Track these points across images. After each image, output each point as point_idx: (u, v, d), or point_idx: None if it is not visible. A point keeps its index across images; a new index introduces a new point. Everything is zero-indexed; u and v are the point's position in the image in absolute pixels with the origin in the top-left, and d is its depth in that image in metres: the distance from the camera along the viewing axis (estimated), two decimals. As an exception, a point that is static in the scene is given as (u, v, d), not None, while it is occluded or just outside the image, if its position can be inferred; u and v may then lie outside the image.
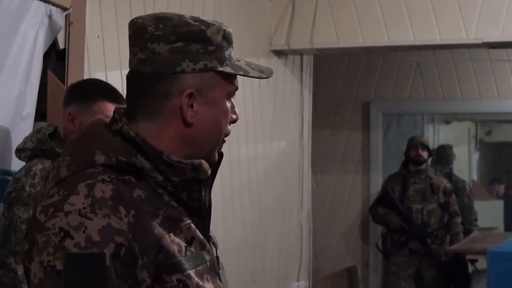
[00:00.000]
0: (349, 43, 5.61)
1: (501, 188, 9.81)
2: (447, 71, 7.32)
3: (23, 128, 3.11)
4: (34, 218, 1.44)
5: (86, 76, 3.43)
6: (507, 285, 4.82)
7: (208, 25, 1.51)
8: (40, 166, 2.64)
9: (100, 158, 1.46)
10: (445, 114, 8.89)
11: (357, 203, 7.43)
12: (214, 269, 1.52)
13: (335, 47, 5.68)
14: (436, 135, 9.21)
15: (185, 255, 1.46)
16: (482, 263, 5.89)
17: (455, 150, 8.37)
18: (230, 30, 1.55)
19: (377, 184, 7.22)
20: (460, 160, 8.98)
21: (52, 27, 3.32)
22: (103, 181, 1.43)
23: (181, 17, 1.52)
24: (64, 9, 3.38)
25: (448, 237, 6.47)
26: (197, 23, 1.51)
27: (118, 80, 3.73)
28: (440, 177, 6.68)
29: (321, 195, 7.26)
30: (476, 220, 7.40)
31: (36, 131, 2.77)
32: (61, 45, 3.44)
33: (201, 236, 1.51)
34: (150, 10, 4.04)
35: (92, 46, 3.58)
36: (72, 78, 3.27)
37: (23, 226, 2.58)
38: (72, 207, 1.39)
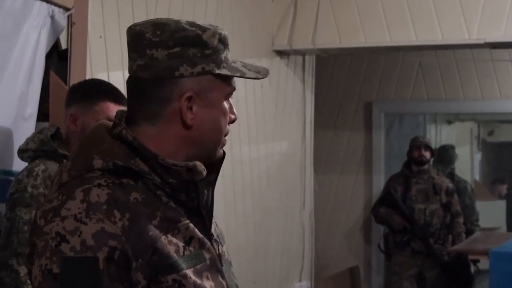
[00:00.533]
0: (351, 43, 5.61)
1: (504, 188, 9.80)
2: (449, 72, 7.31)
3: (25, 128, 3.11)
4: (35, 223, 1.49)
5: (88, 77, 3.43)
6: (509, 285, 4.82)
7: (204, 29, 1.56)
8: (42, 167, 2.64)
9: (98, 163, 1.50)
10: (447, 114, 8.89)
11: (359, 204, 7.43)
12: (215, 267, 1.55)
13: (337, 47, 5.68)
14: (438, 136, 9.20)
15: (183, 254, 1.49)
16: (484, 263, 5.89)
17: (458, 150, 8.36)
18: (226, 33, 1.59)
19: (379, 185, 7.21)
20: (462, 160, 8.98)
21: (54, 28, 3.33)
22: (99, 185, 1.47)
23: (177, 22, 1.55)
24: (66, 9, 3.38)
25: (450, 237, 6.47)
26: (193, 28, 1.55)
27: (120, 80, 3.73)
28: (442, 177, 6.67)
29: (323, 195, 7.26)
30: (477, 220, 7.40)
31: (38, 131, 2.77)
32: (63, 46, 3.45)
33: (200, 235, 1.54)
34: (152, 11, 4.04)
35: (94, 46, 3.58)
36: (74, 79, 3.27)
37: (25, 227, 2.58)
38: (68, 212, 1.44)
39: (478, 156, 10.24)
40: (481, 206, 7.79)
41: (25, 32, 3.16)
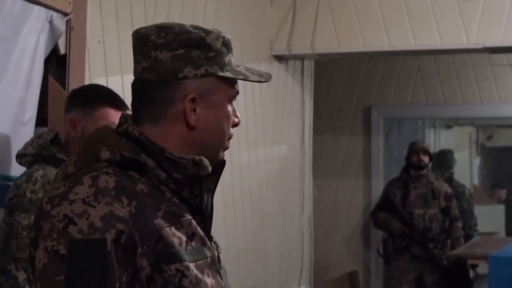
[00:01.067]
0: (350, 48, 5.62)
1: (503, 193, 9.81)
2: (448, 76, 7.32)
3: (24, 133, 3.11)
4: (40, 208, 1.50)
5: (87, 82, 3.43)
6: (509, 290, 4.81)
7: (208, 32, 1.58)
8: (41, 172, 2.64)
9: (105, 154, 1.52)
10: (446, 119, 8.90)
11: (358, 208, 7.43)
12: (215, 266, 1.57)
13: (336, 52, 5.68)
14: (437, 140, 9.21)
15: (186, 248, 1.51)
16: (483, 268, 5.88)
17: (457, 155, 8.37)
18: (229, 37, 1.62)
19: (378, 189, 7.21)
20: (461, 165, 8.99)
21: (53, 33, 3.33)
22: (107, 173, 1.49)
23: (181, 25, 1.58)
24: (65, 14, 3.38)
25: (449, 242, 6.47)
26: (197, 31, 1.57)
27: (119, 85, 3.74)
28: (441, 182, 6.68)
29: (322, 200, 7.26)
30: (476, 225, 7.40)
31: (37, 136, 2.77)
32: (62, 51, 3.44)
33: (202, 233, 1.56)
34: (151, 16, 4.04)
35: (93, 51, 3.58)
36: (73, 84, 3.27)
37: (24, 233, 2.57)
38: (76, 196, 1.46)
39: (477, 161, 10.25)
40: (480, 211, 7.80)
41: (24, 37, 3.16)
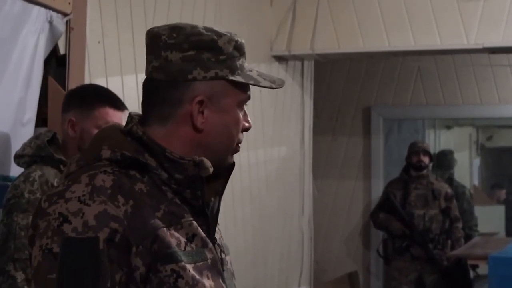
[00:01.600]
0: (349, 48, 5.62)
1: (502, 193, 9.81)
2: (448, 77, 7.32)
3: (23, 134, 3.11)
4: (39, 206, 1.50)
5: (86, 82, 3.43)
6: (509, 290, 4.81)
7: (220, 35, 1.57)
8: (39, 173, 2.64)
9: (106, 153, 1.53)
10: (446, 119, 8.90)
11: (358, 209, 7.43)
12: (216, 268, 1.56)
13: (335, 52, 5.68)
14: (437, 141, 9.21)
15: (184, 249, 1.50)
16: (483, 269, 5.88)
17: (456, 155, 8.37)
18: (243, 41, 1.60)
19: (378, 190, 7.21)
20: (461, 165, 8.99)
21: (52, 33, 3.33)
22: (105, 172, 1.50)
23: (194, 27, 1.57)
24: (65, 15, 3.38)
25: (449, 242, 6.47)
26: (209, 33, 1.56)
27: (119, 86, 3.74)
28: (441, 182, 6.67)
29: (322, 200, 7.25)
30: (476, 225, 7.39)
31: (35, 137, 2.77)
32: (62, 51, 3.44)
33: (203, 234, 1.55)
34: (150, 17, 4.04)
35: (93, 52, 3.58)
36: (72, 84, 3.27)
37: (22, 233, 2.57)
38: (72, 194, 1.46)
39: (477, 161, 10.25)
40: (480, 211, 7.80)
41: (24, 37, 3.15)
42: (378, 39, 5.47)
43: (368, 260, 7.38)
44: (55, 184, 2.64)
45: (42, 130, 2.92)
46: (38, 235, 1.46)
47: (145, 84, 1.60)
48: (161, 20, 4.01)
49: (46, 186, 2.61)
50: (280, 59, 5.76)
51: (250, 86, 1.62)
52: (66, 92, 2.97)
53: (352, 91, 7.48)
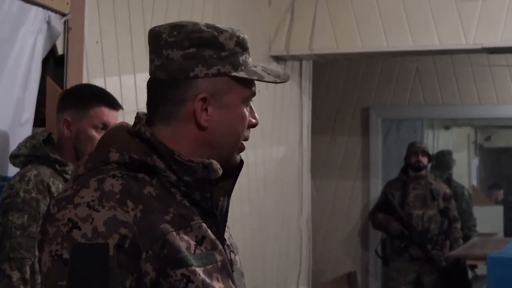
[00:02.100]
0: (348, 48, 5.61)
1: (500, 194, 9.80)
2: (446, 77, 7.32)
3: (22, 134, 3.10)
4: (48, 211, 1.49)
5: (85, 82, 3.42)
6: (507, 291, 4.81)
7: (221, 31, 1.56)
8: (34, 172, 2.64)
9: (114, 156, 1.51)
10: (445, 119, 8.90)
11: (357, 209, 7.42)
12: (226, 270, 1.54)
13: (334, 52, 5.68)
14: (435, 141, 9.21)
15: (194, 253, 1.49)
16: (482, 269, 5.88)
17: (455, 155, 8.37)
18: (245, 36, 1.59)
19: (376, 190, 7.21)
20: (460, 165, 8.99)
21: (51, 33, 3.32)
22: (113, 176, 1.48)
23: (195, 24, 1.56)
24: (63, 15, 3.38)
25: (448, 242, 6.47)
26: (210, 30, 1.55)
27: (116, 86, 3.73)
28: (440, 182, 6.67)
29: (320, 201, 7.25)
30: (475, 225, 7.39)
31: (30, 137, 2.77)
32: (60, 51, 3.44)
33: (212, 236, 1.54)
34: (148, 17, 4.04)
35: (91, 52, 3.57)
36: (70, 84, 3.26)
37: (18, 232, 2.57)
38: (81, 199, 1.45)
39: (475, 162, 10.25)
40: (478, 211, 7.79)
41: (22, 38, 3.15)
42: (377, 39, 5.47)
43: (367, 261, 7.38)
44: (51, 183, 2.64)
45: (39, 130, 2.91)
46: (47, 240, 1.44)
47: (149, 84, 1.59)
48: (159, 20, 4.00)
49: (41, 185, 2.61)
50: (278, 59, 5.76)
51: (256, 81, 1.60)
52: (61, 92, 2.96)
53: (351, 91, 7.48)
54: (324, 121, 7.41)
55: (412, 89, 7.39)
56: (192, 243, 1.49)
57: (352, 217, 7.43)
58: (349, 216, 7.43)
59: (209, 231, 1.54)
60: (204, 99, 1.53)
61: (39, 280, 2.58)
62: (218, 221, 1.58)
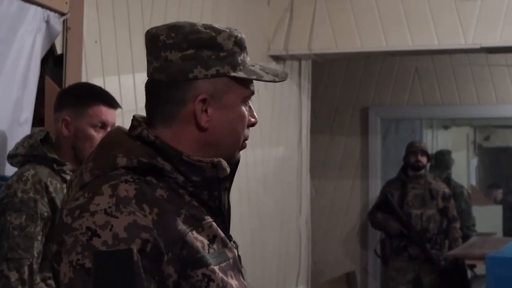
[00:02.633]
0: (347, 48, 5.61)
1: (499, 193, 9.81)
2: (445, 77, 7.32)
3: (20, 133, 3.10)
4: (61, 221, 1.47)
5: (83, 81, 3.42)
6: (506, 290, 4.81)
7: (219, 31, 1.55)
8: (32, 172, 2.63)
9: (122, 161, 1.50)
10: (444, 119, 8.90)
11: (356, 209, 7.42)
12: (237, 267, 1.56)
13: (333, 52, 5.68)
14: (434, 141, 9.21)
15: (208, 252, 1.49)
16: (481, 268, 5.88)
17: (454, 155, 8.37)
18: (243, 36, 1.59)
19: (375, 190, 7.21)
20: (459, 165, 8.99)
21: (49, 33, 3.32)
22: (126, 181, 1.46)
23: (192, 25, 1.55)
24: (62, 14, 3.38)
25: (447, 242, 6.47)
26: (208, 30, 1.54)
27: (116, 85, 3.73)
28: (439, 182, 6.67)
29: (320, 200, 7.25)
30: (474, 225, 7.40)
31: (28, 136, 2.76)
32: (59, 51, 3.44)
33: (222, 234, 1.55)
34: (147, 16, 4.03)
35: (90, 51, 3.57)
36: (69, 84, 3.26)
37: (15, 232, 2.57)
38: (97, 207, 1.43)
39: (474, 161, 10.25)
40: (477, 211, 7.79)
41: (20, 37, 3.15)
42: (376, 39, 5.47)
43: (366, 260, 7.38)
44: (48, 183, 2.63)
45: (37, 129, 2.91)
46: (65, 251, 1.42)
47: (147, 86, 1.58)
48: (158, 20, 4.00)
49: (39, 185, 2.61)
50: (277, 59, 5.75)
51: (254, 81, 1.60)
52: (58, 91, 2.95)
53: (350, 91, 7.48)
54: (323, 121, 7.41)
55: (411, 89, 7.39)
56: (206, 242, 1.50)
57: (351, 217, 7.43)
58: (348, 215, 7.43)
59: (219, 229, 1.54)
60: (204, 100, 1.53)
61: (37, 281, 2.57)
62: (225, 218, 1.59)
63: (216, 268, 1.48)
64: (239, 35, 1.58)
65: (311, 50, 5.63)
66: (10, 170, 2.95)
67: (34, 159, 2.67)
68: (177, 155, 1.52)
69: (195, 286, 1.45)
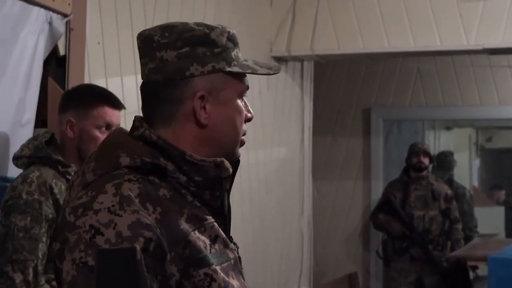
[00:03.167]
0: (349, 49, 5.61)
1: (501, 194, 9.80)
2: (447, 78, 7.31)
3: (22, 135, 3.10)
4: (64, 219, 1.47)
5: (86, 83, 3.42)
6: (508, 291, 4.81)
7: (212, 28, 1.56)
8: (37, 173, 2.63)
9: (125, 160, 1.50)
10: (446, 120, 8.90)
11: (358, 210, 7.42)
12: (237, 267, 1.57)
13: (335, 53, 5.68)
14: (436, 142, 9.21)
15: (210, 252, 1.50)
16: (483, 270, 5.88)
17: (456, 156, 8.36)
18: (234, 32, 1.60)
19: (378, 191, 7.20)
20: (461, 166, 8.99)
21: (52, 34, 3.32)
22: (129, 180, 1.47)
23: (185, 24, 1.56)
24: (65, 15, 3.38)
25: (449, 243, 6.46)
26: (201, 28, 1.56)
27: (118, 86, 3.73)
28: (441, 183, 6.66)
29: (322, 201, 7.25)
30: (476, 226, 7.39)
31: (33, 138, 2.76)
32: (62, 52, 3.44)
33: (224, 235, 1.55)
34: (150, 17, 4.04)
35: (93, 52, 3.58)
36: (72, 85, 3.26)
37: (20, 234, 2.57)
38: (101, 205, 1.43)
39: (476, 162, 10.24)
40: (480, 212, 7.79)
41: (23, 38, 3.15)
42: (378, 40, 5.47)
43: (368, 261, 7.37)
44: (53, 184, 2.63)
45: (41, 131, 2.91)
46: (69, 249, 1.42)
47: (143, 87, 1.58)
48: (160, 21, 3.98)
49: (44, 187, 2.61)
50: (279, 60, 5.75)
51: (248, 76, 1.61)
52: (62, 93, 2.96)
53: (352, 92, 7.48)
54: (325, 122, 7.41)
55: (413, 90, 7.39)
56: (207, 242, 1.50)
57: (353, 218, 7.42)
58: (350, 217, 7.42)
59: (220, 230, 1.55)
60: (202, 97, 1.54)
61: (42, 282, 2.57)
62: (227, 219, 1.60)
63: (218, 268, 1.48)
64: (231, 31, 1.59)
65: (313, 51, 5.63)
66: (12, 171, 2.95)
67: (39, 160, 2.67)
68: (180, 155, 1.52)
69: (197, 286, 1.45)
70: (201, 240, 1.49)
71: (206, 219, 1.53)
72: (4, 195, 2.67)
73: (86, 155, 2.61)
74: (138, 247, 1.39)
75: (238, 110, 1.59)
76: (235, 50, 1.59)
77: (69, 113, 2.68)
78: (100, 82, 3.52)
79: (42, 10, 3.25)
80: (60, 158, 2.67)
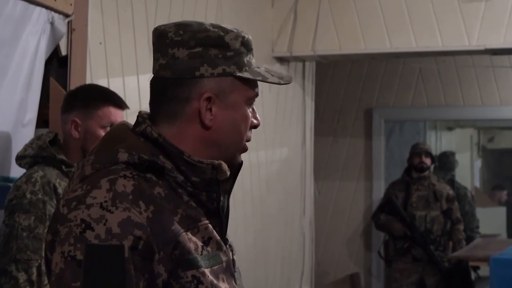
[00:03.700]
0: (351, 50, 5.61)
1: (503, 195, 9.80)
2: (449, 78, 7.31)
3: (24, 135, 3.10)
4: (57, 211, 1.48)
5: (88, 83, 3.42)
6: (510, 292, 4.80)
7: (227, 31, 1.56)
8: (40, 173, 2.64)
9: (123, 156, 1.50)
10: (448, 121, 8.89)
11: (360, 210, 7.42)
12: (229, 271, 1.56)
13: (337, 54, 5.67)
14: (438, 142, 9.21)
15: (201, 254, 1.49)
16: (484, 270, 5.87)
17: (458, 156, 8.36)
18: (250, 37, 1.60)
19: (379, 191, 7.21)
20: (462, 167, 8.98)
21: (54, 34, 3.32)
22: (125, 176, 1.47)
23: (200, 24, 1.56)
24: (66, 16, 3.38)
25: (450, 244, 6.47)
26: (216, 29, 1.55)
27: (120, 86, 3.73)
28: (443, 184, 6.67)
29: (323, 202, 7.25)
30: (477, 227, 7.39)
31: (36, 138, 2.77)
32: (63, 52, 3.44)
33: (218, 237, 1.55)
34: (152, 18, 4.04)
35: (94, 52, 3.58)
36: (74, 85, 3.26)
37: (24, 234, 2.57)
38: (94, 200, 1.44)
39: (478, 163, 10.24)
40: (481, 213, 7.79)
41: (25, 38, 3.15)
42: (380, 40, 5.47)
43: (370, 262, 7.37)
44: (57, 184, 2.64)
45: (43, 131, 2.92)
46: (59, 241, 1.43)
47: (152, 82, 1.58)
48: (162, 21, 3.98)
49: (47, 186, 2.62)
50: (281, 60, 5.75)
51: (258, 83, 1.61)
52: (65, 93, 2.96)
53: (354, 93, 7.48)
54: (327, 123, 7.41)
55: (415, 90, 7.39)
56: (199, 244, 1.50)
57: (355, 218, 7.42)
58: (351, 217, 7.42)
59: (214, 232, 1.54)
60: (209, 99, 1.54)
61: (45, 282, 2.58)
62: (222, 221, 1.59)
63: (207, 270, 1.48)
64: (246, 36, 1.59)
65: (315, 51, 5.63)
66: (14, 171, 2.95)
67: (43, 160, 2.68)
68: (178, 154, 1.52)
69: (184, 287, 1.45)
70: (193, 241, 1.48)
71: (200, 220, 1.52)
72: (8, 194, 2.67)
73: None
74: (126, 245, 1.40)
75: (244, 116, 1.58)
76: (248, 55, 1.58)
77: (73, 113, 2.69)
78: (102, 82, 3.52)
79: (43, 10, 3.25)
80: (64, 157, 2.68)
